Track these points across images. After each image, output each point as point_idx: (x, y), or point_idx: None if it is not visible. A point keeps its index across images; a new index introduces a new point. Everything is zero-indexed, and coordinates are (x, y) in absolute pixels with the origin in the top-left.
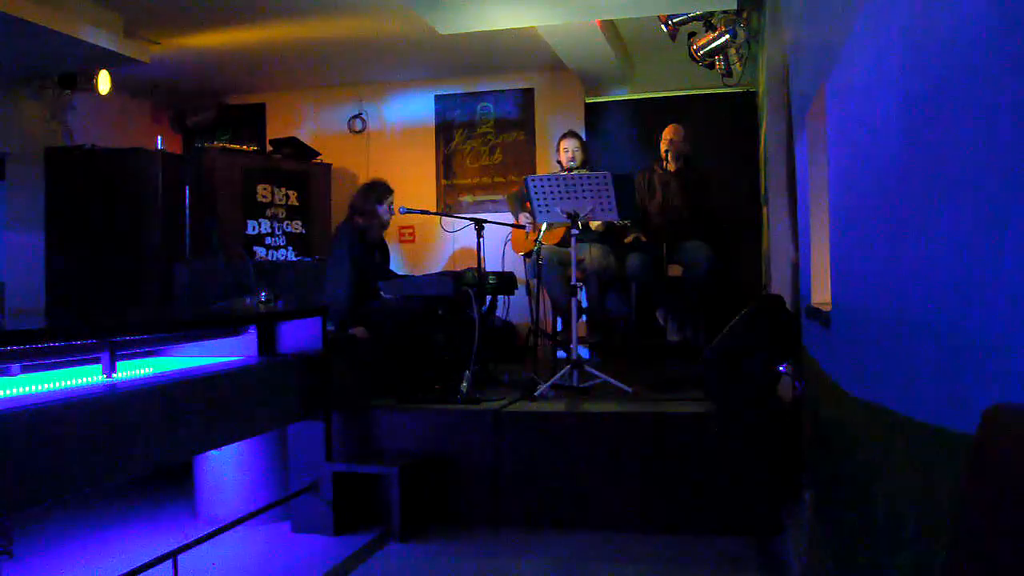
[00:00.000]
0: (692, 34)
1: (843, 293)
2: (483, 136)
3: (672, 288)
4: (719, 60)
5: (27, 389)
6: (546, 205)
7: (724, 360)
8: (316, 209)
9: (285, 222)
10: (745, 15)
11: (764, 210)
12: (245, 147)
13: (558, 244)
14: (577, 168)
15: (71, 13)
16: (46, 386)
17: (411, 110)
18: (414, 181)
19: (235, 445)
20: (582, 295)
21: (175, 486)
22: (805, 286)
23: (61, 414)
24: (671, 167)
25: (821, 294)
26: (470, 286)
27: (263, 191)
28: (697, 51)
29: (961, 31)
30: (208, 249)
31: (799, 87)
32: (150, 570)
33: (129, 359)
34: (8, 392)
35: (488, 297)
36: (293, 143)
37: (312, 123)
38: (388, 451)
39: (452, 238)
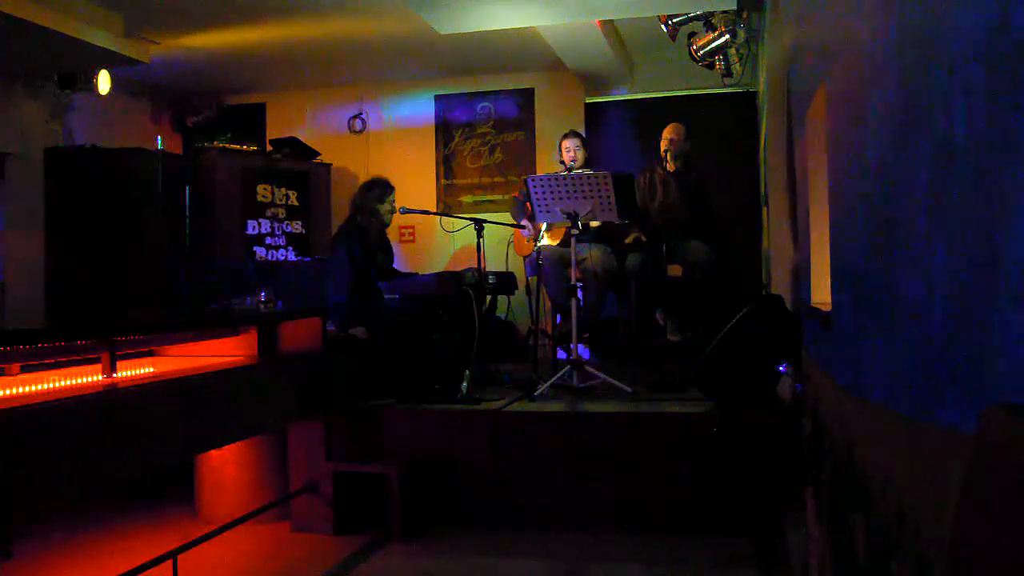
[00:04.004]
0: (692, 34)
1: (843, 293)
2: (483, 136)
3: (672, 288)
4: (719, 60)
5: (27, 389)
6: (546, 205)
7: (724, 360)
8: (316, 209)
9: (285, 222)
10: (745, 15)
11: (764, 210)
12: (245, 147)
13: (559, 244)
14: (578, 168)
15: (71, 13)
16: (46, 386)
17: (411, 110)
18: (414, 181)
19: (235, 445)
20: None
21: (175, 486)
22: (805, 286)
23: (61, 414)
24: (671, 167)
25: (821, 294)
26: (470, 286)
27: (263, 191)
28: (697, 51)
29: (959, 29)
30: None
31: (799, 87)
32: (150, 570)
33: (129, 359)
34: (8, 392)
35: (488, 297)
36: (293, 143)
37: (312, 123)
38: (388, 451)
39: (452, 238)
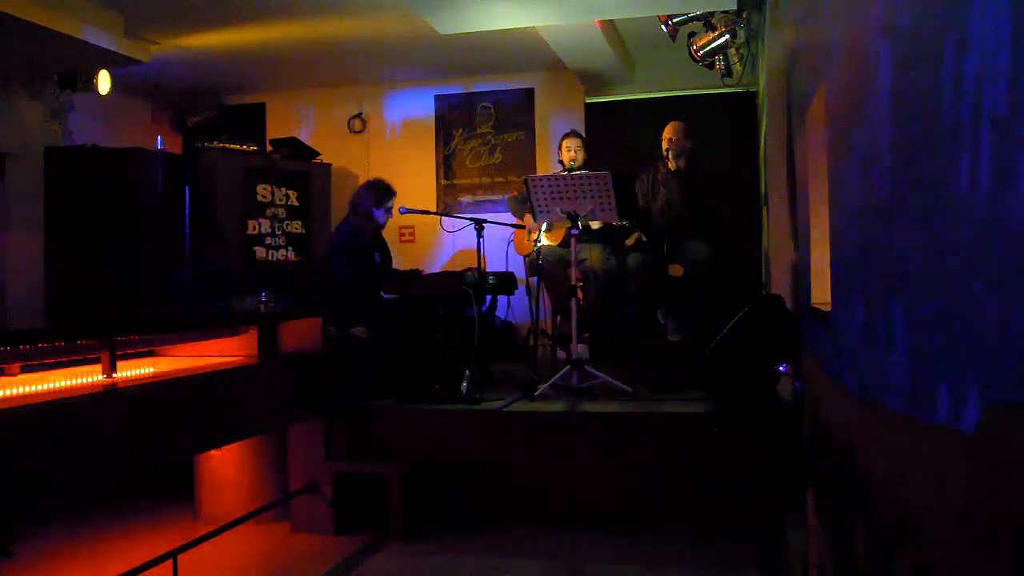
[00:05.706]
0: (692, 34)
1: (843, 293)
2: (483, 136)
3: (672, 288)
4: (719, 60)
5: (27, 389)
6: (546, 205)
7: (724, 360)
8: (316, 209)
9: (285, 222)
10: (745, 15)
11: (764, 210)
12: (245, 147)
13: (559, 244)
14: (578, 168)
15: (71, 13)
16: (46, 386)
17: (411, 110)
18: (414, 181)
19: (235, 445)
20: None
21: (175, 486)
22: (805, 286)
23: (61, 414)
24: (672, 165)
25: (821, 294)
26: (470, 286)
27: (263, 191)
28: (697, 51)
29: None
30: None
31: (799, 87)
32: (150, 570)
33: (129, 359)
34: (8, 392)
35: (488, 297)
36: (293, 143)
37: (312, 123)
38: (388, 451)
39: (452, 238)
